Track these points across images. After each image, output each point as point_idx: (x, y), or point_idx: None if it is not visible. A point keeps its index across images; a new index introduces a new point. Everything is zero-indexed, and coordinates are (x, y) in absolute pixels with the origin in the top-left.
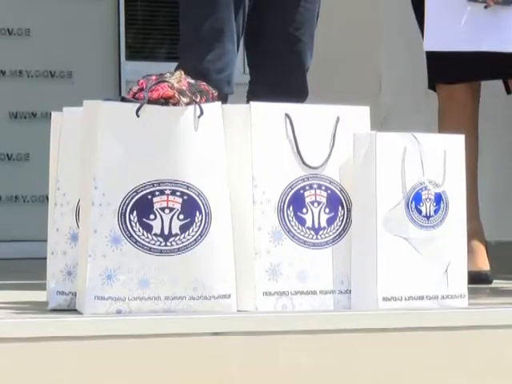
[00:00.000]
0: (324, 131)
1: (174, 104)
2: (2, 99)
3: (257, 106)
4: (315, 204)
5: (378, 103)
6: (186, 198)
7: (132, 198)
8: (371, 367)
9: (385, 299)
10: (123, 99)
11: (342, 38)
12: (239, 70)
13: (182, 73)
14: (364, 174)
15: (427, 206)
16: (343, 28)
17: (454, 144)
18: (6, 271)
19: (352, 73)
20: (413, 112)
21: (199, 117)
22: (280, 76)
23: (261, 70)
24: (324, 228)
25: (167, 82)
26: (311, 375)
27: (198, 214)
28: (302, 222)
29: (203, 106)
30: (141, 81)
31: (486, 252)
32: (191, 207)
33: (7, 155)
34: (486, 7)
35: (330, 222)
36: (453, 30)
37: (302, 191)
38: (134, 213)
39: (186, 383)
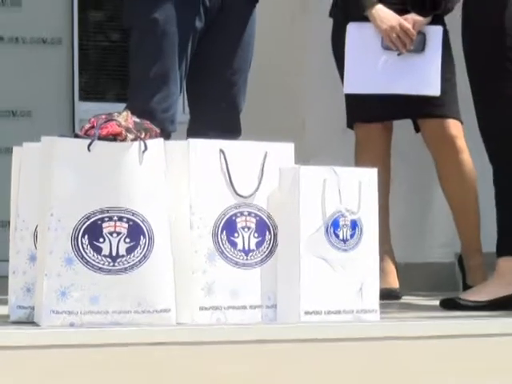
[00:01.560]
0: (254, 165)
1: (121, 140)
2: None
3: (195, 142)
4: (245, 229)
5: (302, 140)
6: (131, 223)
7: (84, 224)
8: (294, 374)
9: (306, 313)
10: (76, 136)
11: (271, 83)
12: (180, 109)
13: (129, 112)
14: (289, 202)
15: (344, 231)
16: (271, 75)
17: (368, 177)
18: None
19: (279, 114)
20: (333, 148)
21: (143, 152)
22: (217, 116)
23: (200, 110)
24: (253, 250)
25: (115, 120)
26: (241, 381)
27: (142, 237)
28: (234, 245)
29: (147, 142)
30: (92, 119)
31: (396, 272)
32: (136, 232)
33: None
34: (399, 54)
35: (258, 245)
36: (370, 74)
37: (234, 218)
38: (86, 236)
39: None
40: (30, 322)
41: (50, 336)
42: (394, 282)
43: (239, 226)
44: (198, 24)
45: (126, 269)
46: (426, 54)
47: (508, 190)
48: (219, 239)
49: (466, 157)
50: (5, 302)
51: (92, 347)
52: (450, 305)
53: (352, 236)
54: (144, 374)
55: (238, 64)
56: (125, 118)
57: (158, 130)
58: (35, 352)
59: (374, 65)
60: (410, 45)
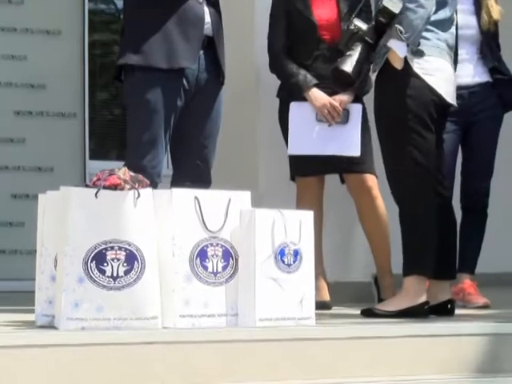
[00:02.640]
0: (220, 208)
1: (121, 189)
2: (7, 185)
3: (176, 190)
4: (214, 256)
5: (257, 189)
6: (128, 252)
7: (92, 252)
8: (252, 364)
9: (260, 319)
10: (87, 186)
11: (234, 146)
12: (165, 166)
13: (126, 168)
14: (247, 236)
15: (288, 258)
16: (235, 140)
17: (307, 217)
18: (8, 300)
19: (240, 168)
20: (280, 195)
21: (137, 198)
22: (193, 171)
23: (180, 166)
24: (220, 272)
25: (116, 174)
26: (211, 369)
27: (136, 262)
28: (205, 268)
29: (140, 190)
30: (98, 173)
31: (328, 288)
32: (132, 258)
33: (9, 223)
34: (329, 125)
35: (224, 268)
36: (307, 140)
37: (205, 247)
38: (94, 262)
39: (128, 376)
40: (51, 326)
41: (66, 337)
42: (326, 296)
43: (209, 253)
44: (179, 103)
45: (123, 286)
46: (349, 125)
47: (409, 227)
48: (194, 264)
49: (379, 202)
50: (32, 311)
51: (98, 345)
52: (368, 313)
53: (294, 261)
54: (137, 365)
55: (209, 132)
56: (123, 172)
57: (148, 182)
58: (55, 349)
59: (310, 133)
60: (337, 118)
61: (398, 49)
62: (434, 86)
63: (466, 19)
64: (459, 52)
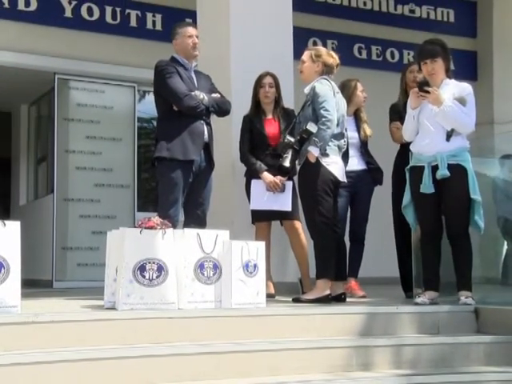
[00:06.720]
0: (211, 239)
1: (154, 229)
2: (90, 226)
3: (186, 230)
4: (208, 267)
5: (232, 229)
6: (158, 264)
7: (138, 265)
8: (230, 329)
9: (235, 304)
10: (135, 227)
11: (217, 203)
12: (181, 215)
13: (158, 217)
14: (227, 256)
15: (251, 268)
16: (218, 199)
17: (261, 245)
18: (88, 292)
19: (221, 218)
20: (246, 233)
21: (164, 234)
22: (195, 218)
23: (188, 215)
24: (211, 276)
25: (152, 220)
26: (204, 333)
27: (162, 271)
28: (203, 274)
29: (166, 230)
30: (141, 220)
31: (273, 285)
32: (160, 268)
33: (91, 247)
34: (273, 193)
35: (214, 274)
36: (261, 200)
37: (203, 262)
38: (139, 270)
39: (158, 336)
40: (113, 308)
41: (122, 314)
42: (272, 290)
43: (205, 266)
44: (190, 180)
45: (155, 284)
46: (285, 193)
47: (318, 250)
48: (197, 272)
49: (302, 236)
50: (102, 299)
51: (141, 319)
52: (296, 300)
53: (254, 269)
54: (164, 329)
55: (205, 196)
56: (156, 219)
57: (171, 225)
58: (116, 322)
59: (262, 197)
60: (278, 189)
61: (313, 151)
62: (332, 171)
63: (353, 134)
64: (350, 152)
